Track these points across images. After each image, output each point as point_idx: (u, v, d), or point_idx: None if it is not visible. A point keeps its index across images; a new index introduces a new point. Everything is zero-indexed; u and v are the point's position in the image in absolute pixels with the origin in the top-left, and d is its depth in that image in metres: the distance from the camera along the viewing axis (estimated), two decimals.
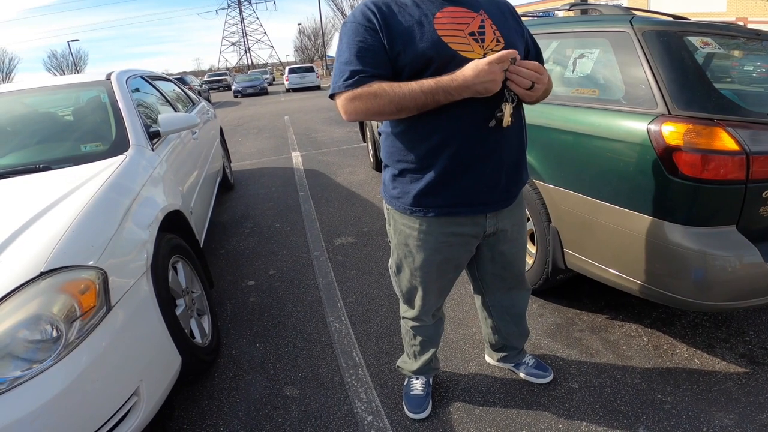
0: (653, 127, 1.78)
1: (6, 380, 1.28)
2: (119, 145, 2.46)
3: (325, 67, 49.16)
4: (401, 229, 1.60)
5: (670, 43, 1.89)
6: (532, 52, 1.58)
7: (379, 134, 1.57)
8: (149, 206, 2.06)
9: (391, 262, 1.75)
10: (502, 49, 1.38)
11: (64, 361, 1.36)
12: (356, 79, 1.33)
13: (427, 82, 1.29)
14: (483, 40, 1.38)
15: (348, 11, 45.19)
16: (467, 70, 1.27)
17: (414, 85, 1.30)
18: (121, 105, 2.77)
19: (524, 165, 1.60)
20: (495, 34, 1.40)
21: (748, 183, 1.66)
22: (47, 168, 2.25)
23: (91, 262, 1.52)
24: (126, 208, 1.88)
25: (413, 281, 1.70)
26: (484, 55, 1.36)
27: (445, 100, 1.31)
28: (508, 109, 1.36)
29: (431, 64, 1.33)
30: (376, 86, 1.32)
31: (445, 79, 1.29)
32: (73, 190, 1.89)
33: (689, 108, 1.75)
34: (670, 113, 1.77)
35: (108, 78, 3.07)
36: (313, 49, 67.65)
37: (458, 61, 1.33)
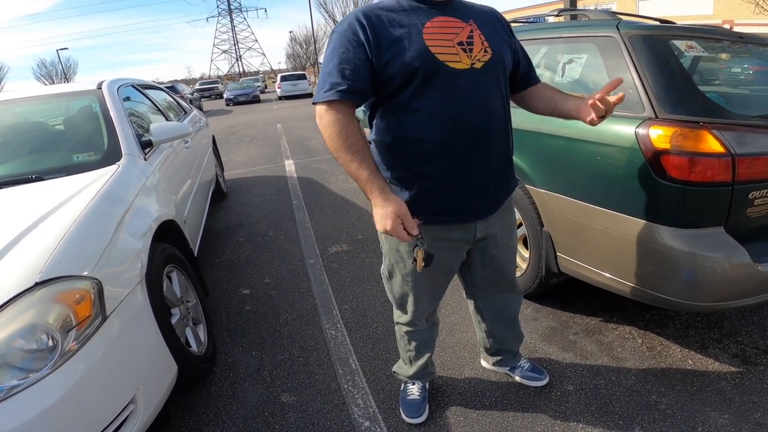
0: (641, 131, 1.80)
1: (2, 389, 1.28)
2: (111, 155, 2.45)
3: (316, 75, 49.20)
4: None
5: (656, 48, 1.92)
6: (523, 63, 1.61)
7: (370, 143, 1.58)
8: (143, 216, 2.05)
9: (383, 268, 1.76)
10: (489, 59, 1.42)
11: (60, 370, 1.36)
12: (333, 91, 1.34)
13: (365, 172, 1.35)
14: (471, 50, 1.39)
15: (339, 18, 45.28)
16: (383, 207, 1.35)
17: (358, 162, 1.35)
18: (112, 114, 2.76)
19: (511, 172, 1.62)
20: (483, 44, 1.42)
21: (734, 185, 1.69)
22: (39, 178, 2.25)
23: (85, 272, 1.52)
24: (119, 218, 1.88)
25: (405, 286, 1.70)
26: (472, 65, 1.38)
27: (362, 190, 1.39)
28: (419, 255, 1.40)
29: (417, 74, 1.35)
30: (345, 126, 1.35)
31: (376, 186, 1.36)
32: (66, 201, 1.89)
33: (675, 111, 1.78)
34: (657, 117, 1.80)
35: (99, 87, 3.06)
36: (304, 56, 67.70)
37: (444, 71, 1.36)
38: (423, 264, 1.41)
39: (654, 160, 1.75)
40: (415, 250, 1.41)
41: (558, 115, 1.62)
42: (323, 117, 1.37)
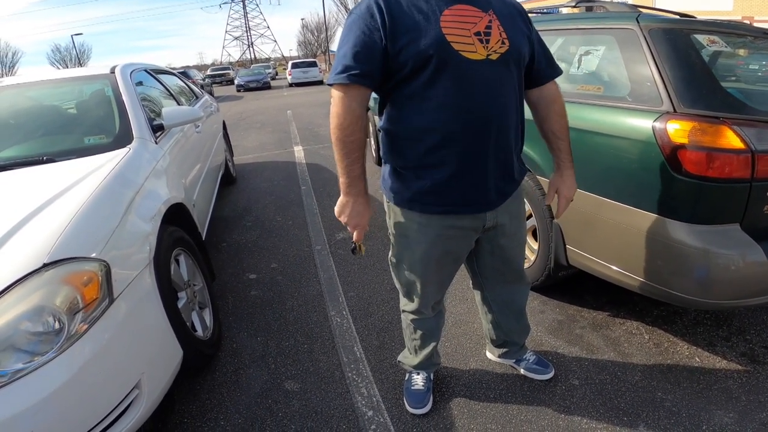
0: (658, 125, 1.77)
1: (7, 373, 1.27)
2: (123, 138, 2.46)
3: (328, 62, 49.05)
4: (400, 222, 1.61)
5: (677, 41, 1.88)
6: (540, 55, 1.57)
7: (380, 131, 1.58)
8: (152, 199, 2.06)
9: (391, 255, 1.75)
10: (506, 51, 1.39)
11: (66, 353, 1.35)
12: (345, 75, 1.35)
13: (358, 170, 1.48)
14: (488, 41, 1.37)
15: (351, 6, 45.00)
16: (362, 207, 1.54)
17: (353, 158, 1.45)
18: (125, 98, 2.76)
19: (517, 165, 1.60)
20: (501, 36, 1.39)
21: (752, 181, 1.66)
22: (51, 160, 2.25)
23: (94, 254, 1.51)
24: (129, 201, 1.88)
25: (412, 274, 1.69)
26: (487, 56, 1.36)
27: (341, 183, 1.51)
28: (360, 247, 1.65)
29: (430, 62, 1.33)
30: (354, 120, 1.40)
31: (362, 187, 1.52)
32: (76, 182, 1.89)
33: (695, 106, 1.74)
34: (675, 111, 1.77)
35: (112, 71, 3.07)
36: (316, 43, 67.56)
37: (458, 60, 1.33)
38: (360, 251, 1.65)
39: (671, 154, 1.72)
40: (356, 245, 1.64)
41: (543, 136, 1.71)
42: (338, 104, 1.39)
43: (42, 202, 1.71)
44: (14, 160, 2.31)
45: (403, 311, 1.89)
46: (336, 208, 1.56)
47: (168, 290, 1.88)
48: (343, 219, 1.54)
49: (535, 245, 2.55)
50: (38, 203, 1.70)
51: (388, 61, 1.36)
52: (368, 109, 1.49)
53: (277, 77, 41.85)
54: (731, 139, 1.64)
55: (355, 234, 1.58)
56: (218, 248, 3.70)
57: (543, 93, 1.62)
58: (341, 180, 1.49)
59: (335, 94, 1.40)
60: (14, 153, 2.49)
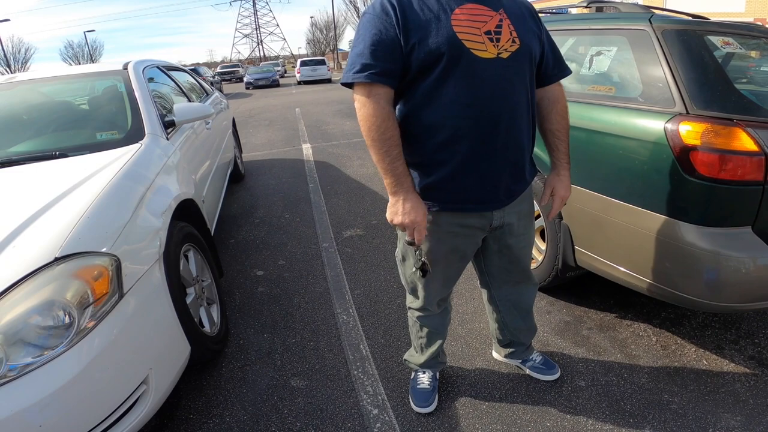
0: (670, 126, 1.76)
1: (16, 367, 1.28)
2: (134, 134, 2.48)
3: (336, 61, 49.12)
4: None
5: (690, 42, 1.87)
6: (548, 55, 1.57)
7: None
8: (163, 194, 2.07)
9: (398, 251, 1.76)
10: (517, 50, 1.40)
11: (75, 348, 1.36)
12: (366, 74, 1.34)
13: (400, 168, 1.41)
14: (498, 40, 1.37)
15: (360, 4, 45.02)
16: (410, 202, 1.42)
17: (393, 156, 1.39)
18: (137, 94, 2.78)
19: (528, 166, 1.60)
20: (512, 35, 1.40)
21: (765, 184, 1.64)
22: (63, 155, 2.27)
23: (104, 249, 1.53)
24: (140, 196, 1.89)
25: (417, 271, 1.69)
26: (498, 55, 1.36)
27: (387, 184, 1.44)
28: (420, 264, 1.55)
29: (441, 60, 1.34)
30: (385, 118, 1.37)
31: (408, 184, 1.43)
32: (88, 178, 1.90)
33: (708, 107, 1.73)
34: (688, 112, 1.76)
35: (125, 68, 3.10)
36: (324, 42, 67.56)
37: (469, 58, 1.34)
38: (421, 274, 1.56)
39: (682, 156, 1.71)
40: (418, 255, 1.54)
41: (542, 135, 1.69)
42: (364, 105, 1.38)
43: (54, 196, 1.73)
44: (27, 155, 2.33)
45: (409, 308, 1.89)
46: (387, 214, 1.47)
47: (177, 286, 1.89)
48: (397, 220, 1.44)
49: (542, 245, 2.54)
50: (50, 198, 1.72)
51: (403, 59, 1.37)
52: None
53: (285, 75, 41.97)
54: (745, 141, 1.63)
55: (415, 235, 1.45)
56: (226, 245, 3.72)
57: (547, 93, 1.62)
58: (387, 181, 1.43)
59: (359, 97, 1.39)
60: (27, 148, 2.51)
